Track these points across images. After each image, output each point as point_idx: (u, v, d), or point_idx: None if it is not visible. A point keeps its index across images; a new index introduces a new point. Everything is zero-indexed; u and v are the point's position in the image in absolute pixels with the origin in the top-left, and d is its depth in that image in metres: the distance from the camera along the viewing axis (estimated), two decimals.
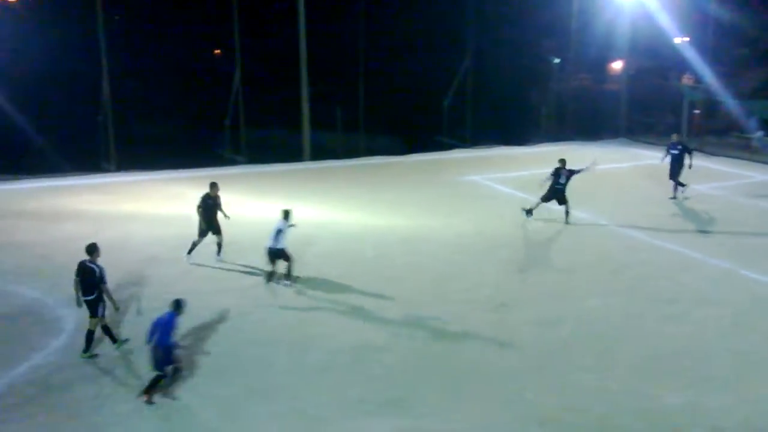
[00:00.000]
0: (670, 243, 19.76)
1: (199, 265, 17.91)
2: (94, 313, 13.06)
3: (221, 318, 14.86)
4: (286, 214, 16.64)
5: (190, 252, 18.07)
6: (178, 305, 12.01)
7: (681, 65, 36.63)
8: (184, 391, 11.95)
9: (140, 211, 22.39)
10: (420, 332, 14.26)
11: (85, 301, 13.07)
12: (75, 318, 14.59)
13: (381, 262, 18.31)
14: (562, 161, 21.65)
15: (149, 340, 11.78)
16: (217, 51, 35.18)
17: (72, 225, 20.89)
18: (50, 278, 16.87)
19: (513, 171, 29.40)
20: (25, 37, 28.36)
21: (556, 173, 21.42)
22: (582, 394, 11.96)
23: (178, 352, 12.05)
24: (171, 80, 31.11)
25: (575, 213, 21.93)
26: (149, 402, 11.51)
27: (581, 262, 18.41)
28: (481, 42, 36.08)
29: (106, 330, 13.33)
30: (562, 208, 21.60)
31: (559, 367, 12.87)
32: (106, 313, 13.25)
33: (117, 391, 11.98)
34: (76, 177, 27.42)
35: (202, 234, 18.06)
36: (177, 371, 12.01)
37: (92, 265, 13.01)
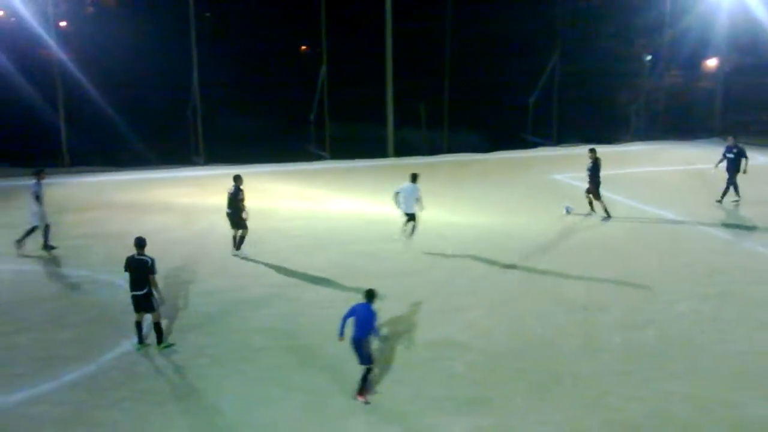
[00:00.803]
0: (765, 247, 18.96)
1: (285, 259, 18.11)
2: (150, 308, 13.01)
3: (306, 310, 14.97)
4: (414, 178, 18.35)
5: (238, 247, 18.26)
6: (371, 295, 11.75)
7: None
8: (268, 382, 12.07)
9: (225, 205, 22.76)
10: (501, 331, 14.06)
11: (137, 296, 12.95)
12: (163, 307, 14.95)
13: (462, 260, 18.13)
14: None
15: (342, 334, 11.63)
16: (304, 47, 35.51)
17: (161, 216, 21.42)
18: None
19: (601, 171, 28.65)
20: (119, 35, 29.24)
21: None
22: (668, 401, 11.56)
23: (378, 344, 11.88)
24: (258, 76, 31.53)
25: (667, 215, 21.27)
26: (366, 402, 11.38)
27: (672, 264, 17.83)
28: (570, 38, 35.36)
29: (138, 327, 13.21)
30: (647, 207, 20.97)
31: (644, 372, 12.48)
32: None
33: (201, 380, 12.19)
34: (166, 170, 28.14)
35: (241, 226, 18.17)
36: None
37: (143, 257, 12.94)
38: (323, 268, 17.52)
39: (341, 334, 11.64)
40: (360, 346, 11.52)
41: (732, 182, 22.98)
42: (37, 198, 18.28)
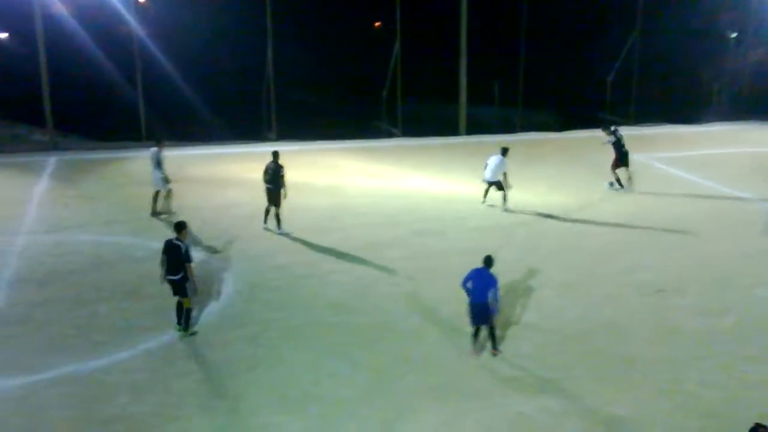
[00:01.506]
0: None
1: (354, 236, 18.20)
2: (183, 294, 12.75)
3: (373, 288, 15.02)
4: (505, 151, 20.15)
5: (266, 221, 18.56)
6: (489, 261, 12.19)
7: None
8: (336, 358, 12.18)
9: (296, 180, 22.95)
10: (571, 312, 13.85)
11: (172, 281, 12.73)
12: (234, 281, 15.23)
13: (534, 239, 17.90)
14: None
15: (465, 289, 12.12)
16: (378, 23, 35.38)
17: (234, 191, 21.73)
18: (214, 241, 17.66)
19: (681, 151, 27.95)
20: (195, 11, 29.61)
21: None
22: (746, 388, 11.22)
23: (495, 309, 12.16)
24: (331, 52, 31.56)
25: (747, 196, 20.60)
26: (496, 353, 12.17)
27: (752, 247, 17.25)
28: (651, 14, 34.29)
29: (180, 311, 12.97)
30: (727, 188, 20.48)
31: (722, 358, 12.13)
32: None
33: (271, 353, 12.36)
34: (239, 145, 28.48)
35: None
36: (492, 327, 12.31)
37: (178, 243, 12.62)
38: (391, 245, 17.52)
39: (466, 290, 12.09)
40: (481, 309, 11.92)
41: None
42: (158, 164, 19.41)
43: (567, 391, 11.19)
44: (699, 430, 10.27)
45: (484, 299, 11.88)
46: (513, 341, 12.72)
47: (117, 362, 12.06)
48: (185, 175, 23.15)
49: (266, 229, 18.53)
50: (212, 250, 17.10)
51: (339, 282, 15.35)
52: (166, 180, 19.63)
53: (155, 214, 19.63)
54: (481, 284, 11.92)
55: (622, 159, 21.93)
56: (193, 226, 18.76)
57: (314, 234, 18.26)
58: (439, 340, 12.82)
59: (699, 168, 24.61)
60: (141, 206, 20.09)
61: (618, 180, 22.09)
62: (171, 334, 12.94)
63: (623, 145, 21.98)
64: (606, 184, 22.26)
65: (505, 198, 20.15)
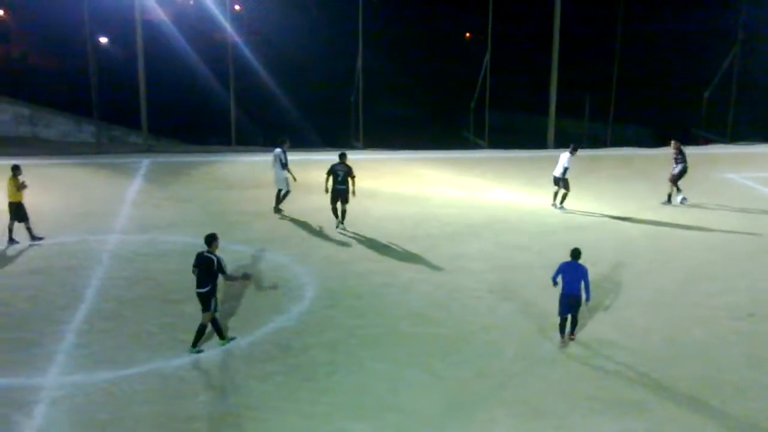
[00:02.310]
0: None
1: (437, 246, 18.14)
2: (206, 307, 12.46)
3: (454, 299, 14.91)
4: (573, 149, 20.67)
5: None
6: (577, 253, 12.76)
7: None
8: (414, 369, 12.12)
9: (380, 189, 23.04)
10: (658, 333, 13.44)
11: (198, 294, 12.45)
12: (316, 286, 15.35)
13: (623, 257, 17.43)
14: None
15: (554, 282, 12.86)
16: (468, 34, 35.29)
17: (318, 197, 21.90)
18: (298, 246, 17.88)
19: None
20: (289, 20, 30.18)
21: None
22: None
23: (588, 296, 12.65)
24: (421, 62, 31.66)
25: None
26: (574, 338, 12.93)
27: None
28: (751, 31, 33.09)
29: (215, 324, 12.75)
30: None
31: None
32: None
33: (349, 360, 12.39)
34: (326, 152, 28.76)
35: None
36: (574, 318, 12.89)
37: (210, 256, 12.37)
38: (475, 257, 17.38)
39: (554, 283, 12.88)
40: (573, 300, 12.55)
41: None
42: (282, 164, 20.13)
43: (653, 414, 10.84)
44: None
45: (576, 290, 12.47)
46: (596, 359, 12.42)
47: (199, 361, 12.30)
48: (269, 179, 23.45)
49: (342, 230, 18.93)
50: (295, 255, 17.28)
51: (420, 291, 15.30)
52: (286, 180, 20.34)
53: (278, 211, 20.46)
54: (573, 276, 12.51)
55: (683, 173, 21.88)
56: (276, 232, 19.09)
57: (398, 242, 18.27)
58: (518, 355, 12.62)
59: None
60: (229, 209, 20.48)
61: (670, 194, 22.06)
62: (251, 336, 13.12)
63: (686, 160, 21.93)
64: (680, 199, 21.84)
65: (564, 197, 20.82)
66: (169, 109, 29.44)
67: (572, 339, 12.92)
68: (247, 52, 29.37)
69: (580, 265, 12.62)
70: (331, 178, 18.95)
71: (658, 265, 17.01)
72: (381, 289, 15.39)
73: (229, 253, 17.27)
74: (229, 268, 14.63)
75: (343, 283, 15.75)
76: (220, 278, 12.62)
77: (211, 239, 12.62)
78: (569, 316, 12.80)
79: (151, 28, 29.16)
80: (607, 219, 20.35)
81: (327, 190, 19.04)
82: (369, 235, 18.79)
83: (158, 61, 29.06)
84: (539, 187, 23.57)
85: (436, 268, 16.65)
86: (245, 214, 20.47)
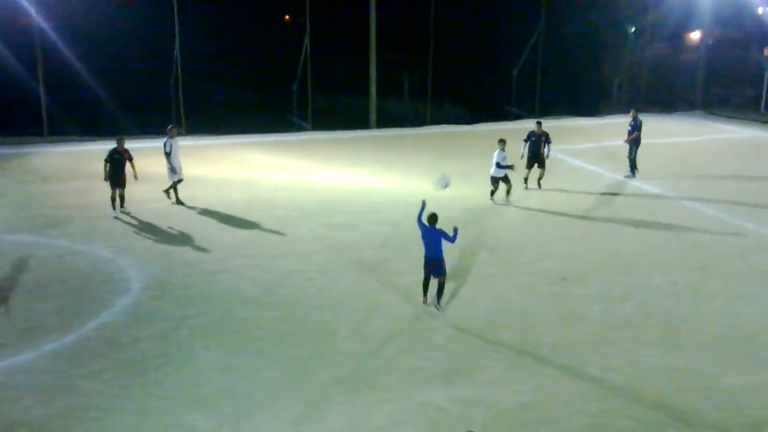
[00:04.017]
0: (748, 221, 19.13)
1: (267, 230, 18.15)
2: None
3: (286, 282, 15.02)
4: (501, 143, 19.97)
5: None
6: (434, 218, 13.19)
7: (763, 37, 35.24)
8: (248, 353, 12.14)
9: (208, 175, 22.73)
10: (482, 303, 14.16)
11: None
12: (143, 278, 14.98)
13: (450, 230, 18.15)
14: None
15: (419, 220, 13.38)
16: (287, 17, 35.21)
17: (142, 187, 21.30)
18: (120, 239, 17.33)
19: (583, 143, 28.83)
20: (100, 3, 28.92)
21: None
22: (645, 372, 11.72)
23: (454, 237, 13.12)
24: (241, 46, 31.28)
25: (648, 187, 21.49)
26: (437, 307, 13.44)
27: (650, 237, 18.01)
28: (554, 10, 35.21)
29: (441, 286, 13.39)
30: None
31: (622, 343, 12.63)
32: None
33: (181, 350, 12.23)
34: (147, 140, 27.90)
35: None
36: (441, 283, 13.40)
37: None
38: (305, 239, 17.55)
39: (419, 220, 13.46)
40: (436, 263, 13.16)
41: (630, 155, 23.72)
42: (167, 154, 19.66)
43: (477, 379, 11.44)
44: (600, 411, 10.67)
45: (434, 254, 13.15)
46: (424, 333, 12.93)
47: (21, 364, 11.72)
48: (88, 171, 22.57)
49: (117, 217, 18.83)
50: (118, 248, 16.75)
51: (251, 277, 15.29)
52: (172, 170, 19.80)
53: (179, 203, 20.01)
54: (430, 240, 13.14)
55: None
56: (98, 225, 18.41)
57: (227, 229, 18.14)
58: (350, 334, 12.92)
59: (600, 160, 25.50)
60: (43, 203, 19.51)
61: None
62: (76, 333, 12.64)
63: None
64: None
65: (507, 192, 20.55)
66: None
67: (437, 308, 13.49)
68: (55, 38, 27.88)
69: (435, 230, 13.11)
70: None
71: (478, 238, 17.85)
72: (211, 277, 15.25)
73: (50, 249, 16.58)
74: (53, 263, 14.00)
75: (171, 273, 15.45)
76: None
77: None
78: (432, 279, 13.41)
79: None
80: (429, 195, 21.04)
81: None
82: (197, 223, 18.51)
83: None
84: (364, 166, 24.07)
85: (266, 252, 16.68)
86: (64, 208, 19.57)
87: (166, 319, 13.32)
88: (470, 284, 15.04)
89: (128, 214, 18.94)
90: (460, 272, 15.56)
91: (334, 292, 14.66)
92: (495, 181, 20.28)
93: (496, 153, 19.93)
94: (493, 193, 20.53)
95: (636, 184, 22.66)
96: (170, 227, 18.22)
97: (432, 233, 13.16)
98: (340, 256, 16.46)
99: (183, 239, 17.50)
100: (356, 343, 12.56)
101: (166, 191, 20.20)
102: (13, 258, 16.05)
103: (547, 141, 21.74)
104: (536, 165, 21.74)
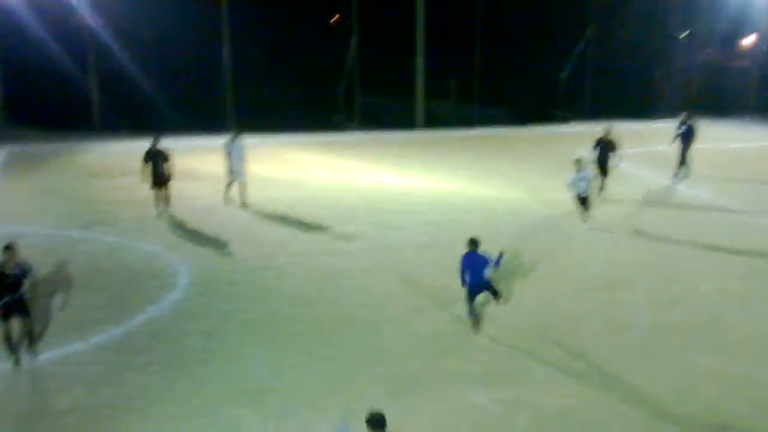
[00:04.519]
0: None
1: (312, 228, 18.25)
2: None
3: (331, 280, 15.07)
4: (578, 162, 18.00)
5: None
6: (474, 243, 12.54)
7: None
8: (293, 350, 12.20)
9: (255, 174, 22.90)
10: (526, 306, 14.03)
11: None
12: (190, 274, 15.16)
13: (490, 235, 18.02)
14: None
15: (463, 282, 12.56)
16: (335, 18, 35.39)
17: (192, 184, 21.60)
18: (168, 235, 17.57)
19: (632, 147, 28.37)
20: (151, 3, 29.38)
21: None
22: (693, 378, 11.50)
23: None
24: (289, 46, 31.54)
25: (699, 193, 21.12)
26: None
27: (699, 243, 17.65)
28: (604, 13, 34.86)
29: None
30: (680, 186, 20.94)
31: (670, 350, 12.41)
32: None
33: (226, 346, 12.34)
34: (196, 138, 28.27)
35: None
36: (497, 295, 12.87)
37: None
38: (351, 238, 17.59)
39: (463, 282, 12.59)
40: (481, 287, 12.60)
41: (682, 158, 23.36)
42: (228, 154, 19.85)
43: (521, 382, 11.34)
44: (647, 417, 10.51)
45: (485, 281, 12.57)
46: (467, 335, 12.85)
47: (69, 355, 11.94)
48: (137, 167, 22.92)
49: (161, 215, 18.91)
50: (167, 244, 16.98)
51: (296, 274, 15.37)
52: (229, 171, 19.93)
53: (226, 201, 20.20)
54: (477, 267, 12.44)
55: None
56: (147, 221, 18.68)
57: (273, 227, 18.27)
58: (393, 333, 12.90)
59: (650, 165, 25.12)
60: (93, 198, 19.86)
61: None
62: (124, 327, 12.83)
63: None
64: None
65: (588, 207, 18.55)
66: (27, 96, 28.12)
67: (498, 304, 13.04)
68: (107, 37, 28.41)
69: (480, 256, 12.44)
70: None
71: (523, 240, 17.67)
72: (256, 274, 15.36)
73: (98, 245, 16.87)
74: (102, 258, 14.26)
75: (218, 269, 15.61)
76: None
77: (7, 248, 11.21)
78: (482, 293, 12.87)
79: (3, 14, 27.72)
80: (474, 197, 20.99)
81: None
82: (244, 220, 18.68)
83: (13, 49, 27.73)
84: (409, 167, 24.07)
85: (312, 250, 16.76)
86: (113, 203, 19.91)
87: (212, 314, 13.45)
88: (514, 287, 14.92)
89: (170, 215, 18.95)
90: (503, 274, 15.44)
91: (378, 291, 14.66)
92: (582, 201, 18.35)
93: (573, 174, 18.07)
94: (583, 212, 18.51)
95: (686, 189, 22.28)
96: (217, 224, 18.41)
97: (477, 259, 12.48)
98: (385, 256, 16.47)
99: (229, 236, 17.67)
100: (399, 343, 12.54)
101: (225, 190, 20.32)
102: (63, 253, 16.35)
103: (612, 149, 20.56)
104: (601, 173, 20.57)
